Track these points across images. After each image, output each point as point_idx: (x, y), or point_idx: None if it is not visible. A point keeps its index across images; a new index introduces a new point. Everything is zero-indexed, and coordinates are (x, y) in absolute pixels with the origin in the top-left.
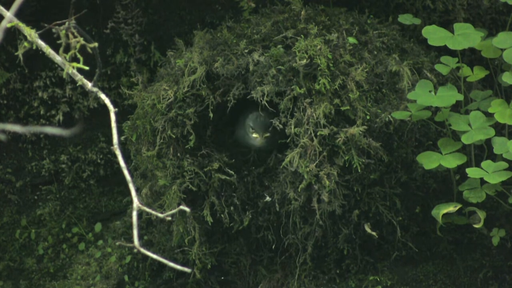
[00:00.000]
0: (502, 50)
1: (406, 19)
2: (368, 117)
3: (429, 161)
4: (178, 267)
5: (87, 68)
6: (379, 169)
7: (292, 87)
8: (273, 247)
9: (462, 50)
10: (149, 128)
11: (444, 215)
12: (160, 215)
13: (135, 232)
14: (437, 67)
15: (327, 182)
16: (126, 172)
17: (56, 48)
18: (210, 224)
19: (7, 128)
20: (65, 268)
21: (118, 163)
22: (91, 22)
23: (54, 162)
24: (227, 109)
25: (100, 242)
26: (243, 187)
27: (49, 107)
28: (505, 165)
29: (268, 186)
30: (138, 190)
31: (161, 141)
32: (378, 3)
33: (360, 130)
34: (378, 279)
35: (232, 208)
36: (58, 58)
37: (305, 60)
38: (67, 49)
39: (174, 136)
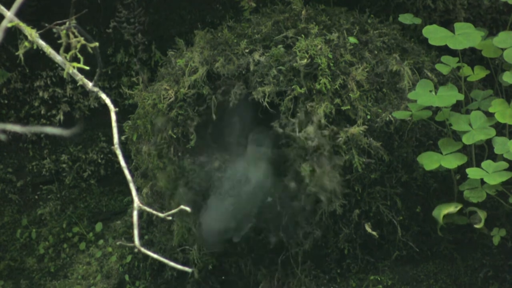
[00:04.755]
0: (503, 49)
1: (406, 18)
2: (368, 117)
3: (429, 161)
4: (179, 266)
5: (87, 68)
6: (380, 169)
7: (293, 86)
8: (273, 247)
9: (463, 50)
10: (149, 128)
11: (445, 215)
12: (160, 214)
13: (135, 232)
14: (438, 66)
15: (329, 182)
16: (126, 172)
17: (56, 48)
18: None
19: (7, 128)
20: (66, 268)
21: (118, 163)
22: (92, 22)
23: (55, 162)
24: (228, 109)
25: (101, 241)
26: None
27: (50, 106)
28: (505, 165)
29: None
30: (138, 190)
31: (162, 141)
32: (378, 3)
33: (361, 130)
34: (379, 279)
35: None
36: (58, 58)
37: (305, 60)
38: (67, 48)
39: (175, 136)
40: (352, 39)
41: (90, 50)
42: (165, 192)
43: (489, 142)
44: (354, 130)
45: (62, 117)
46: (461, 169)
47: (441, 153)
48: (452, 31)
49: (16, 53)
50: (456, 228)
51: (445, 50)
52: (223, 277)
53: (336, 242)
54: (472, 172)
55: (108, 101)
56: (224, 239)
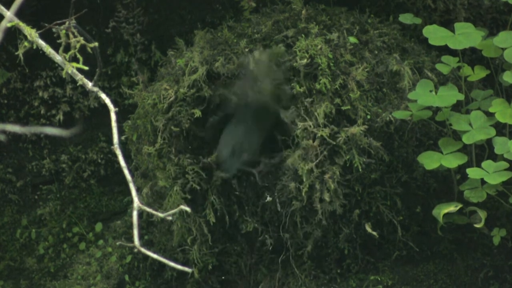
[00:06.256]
0: (503, 49)
1: (406, 18)
2: (369, 117)
3: (430, 161)
4: (179, 266)
5: (86, 68)
6: (380, 169)
7: (292, 85)
8: (273, 246)
9: (463, 50)
10: (149, 128)
11: (444, 214)
12: (160, 214)
13: (135, 232)
14: (438, 66)
15: (329, 182)
16: (126, 172)
17: (56, 48)
18: (212, 223)
19: (7, 128)
20: (66, 268)
21: (118, 163)
22: (91, 22)
23: (55, 162)
24: (228, 108)
25: (101, 241)
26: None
27: (50, 106)
28: (505, 165)
29: (269, 186)
30: (138, 190)
31: (162, 140)
32: (378, 3)
33: (361, 130)
34: (379, 279)
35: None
36: (58, 58)
37: (305, 60)
38: (67, 48)
39: (174, 136)
40: (352, 39)
41: (89, 50)
42: (165, 192)
43: (489, 142)
44: (354, 130)
45: (62, 117)
46: (461, 169)
47: (442, 152)
48: (452, 31)
49: (16, 53)
50: (456, 228)
51: (445, 50)
52: (223, 277)
53: (336, 242)
54: (473, 172)
55: (108, 101)
56: (240, 159)
